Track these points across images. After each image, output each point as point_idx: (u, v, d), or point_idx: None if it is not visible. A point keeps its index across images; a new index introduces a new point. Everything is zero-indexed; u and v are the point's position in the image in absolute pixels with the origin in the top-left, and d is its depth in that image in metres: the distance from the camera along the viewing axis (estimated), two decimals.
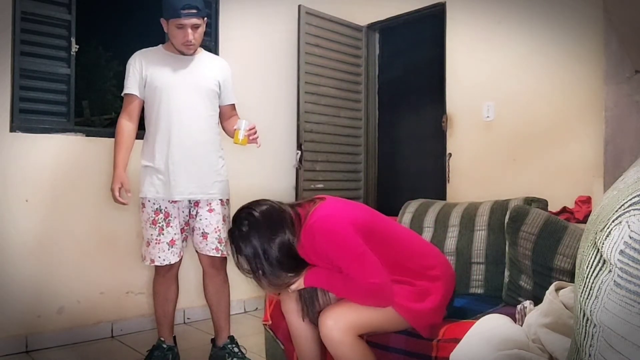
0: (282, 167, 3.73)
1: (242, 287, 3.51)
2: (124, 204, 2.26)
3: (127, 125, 2.31)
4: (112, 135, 2.84)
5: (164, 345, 2.40)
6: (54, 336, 2.76)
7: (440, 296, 1.63)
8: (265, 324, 2.02)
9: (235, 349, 2.42)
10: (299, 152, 3.65)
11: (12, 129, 2.68)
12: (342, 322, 1.53)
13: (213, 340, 2.49)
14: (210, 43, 3.42)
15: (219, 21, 3.44)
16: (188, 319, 3.24)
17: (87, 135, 2.91)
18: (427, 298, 1.61)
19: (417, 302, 1.60)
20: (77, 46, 2.87)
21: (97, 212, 2.90)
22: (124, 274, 2.99)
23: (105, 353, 2.72)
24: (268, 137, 3.69)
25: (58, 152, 2.82)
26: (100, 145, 2.91)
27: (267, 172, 3.67)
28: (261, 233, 1.60)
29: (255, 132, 2.29)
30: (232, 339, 2.45)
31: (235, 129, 2.27)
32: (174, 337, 2.48)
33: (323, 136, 3.79)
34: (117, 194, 2.22)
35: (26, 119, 2.73)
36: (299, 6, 3.64)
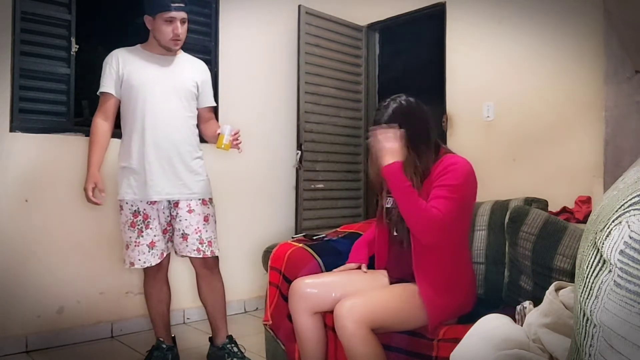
0: (282, 167, 3.73)
1: (242, 287, 3.53)
2: (97, 204, 2.24)
3: (102, 124, 2.28)
4: (112, 135, 2.85)
5: (164, 346, 2.40)
6: (54, 336, 2.76)
7: (463, 298, 1.71)
8: (266, 324, 2.02)
9: (235, 349, 2.42)
10: (299, 152, 3.65)
11: (12, 129, 2.68)
12: (357, 313, 1.54)
13: (211, 340, 2.49)
14: (210, 43, 3.42)
15: (219, 21, 3.43)
16: (188, 319, 3.25)
17: (87, 135, 2.89)
18: (451, 294, 1.67)
19: (441, 295, 1.64)
20: (77, 46, 2.87)
21: (97, 212, 2.89)
22: (123, 274, 2.99)
23: (105, 353, 2.72)
24: (268, 137, 3.71)
25: (58, 152, 2.82)
26: None
27: (267, 172, 3.67)
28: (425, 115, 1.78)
29: (238, 138, 2.29)
30: (230, 338, 2.44)
31: (218, 134, 2.26)
32: (174, 337, 2.48)
33: (323, 136, 3.79)
34: (90, 194, 2.20)
35: (26, 119, 2.73)
36: (299, 6, 3.64)
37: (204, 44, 3.37)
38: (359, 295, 1.64)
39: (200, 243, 2.31)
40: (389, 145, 1.66)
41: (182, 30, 2.26)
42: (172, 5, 2.21)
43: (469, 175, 1.67)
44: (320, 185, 3.78)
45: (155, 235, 2.28)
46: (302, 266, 1.95)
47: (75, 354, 2.70)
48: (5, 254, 2.65)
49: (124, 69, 2.27)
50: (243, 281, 3.41)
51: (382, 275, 1.86)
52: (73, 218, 2.85)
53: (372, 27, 4.11)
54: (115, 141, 2.38)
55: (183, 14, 2.25)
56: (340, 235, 2.22)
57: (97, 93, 2.31)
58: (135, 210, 2.27)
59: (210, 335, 2.50)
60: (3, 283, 2.64)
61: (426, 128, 1.76)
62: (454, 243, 1.71)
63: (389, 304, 1.63)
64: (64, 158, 2.84)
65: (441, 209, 1.59)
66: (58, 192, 2.81)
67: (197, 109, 2.41)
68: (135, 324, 3.04)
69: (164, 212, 2.33)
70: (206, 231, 2.33)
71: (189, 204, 2.32)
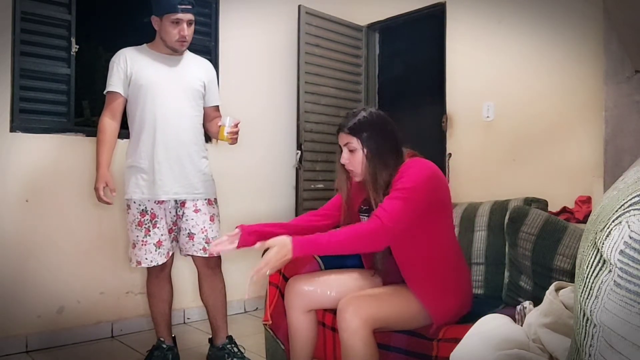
0: (282, 167, 3.73)
1: (243, 287, 3.52)
2: (108, 203, 2.24)
3: (110, 123, 2.28)
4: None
5: (164, 345, 2.40)
6: (54, 336, 2.76)
7: (461, 298, 1.71)
8: (266, 324, 2.02)
9: (235, 349, 2.42)
10: (299, 152, 3.65)
11: (12, 129, 2.68)
12: (363, 310, 1.55)
13: (211, 340, 2.49)
14: (210, 43, 3.42)
15: (219, 21, 3.43)
16: (188, 319, 3.25)
17: (87, 135, 2.91)
18: (450, 295, 1.67)
19: (440, 297, 1.64)
20: (77, 46, 2.87)
21: (97, 212, 2.89)
22: (124, 274, 2.99)
23: (105, 353, 2.72)
24: (268, 137, 3.71)
25: (58, 152, 2.82)
26: None
27: (267, 172, 3.67)
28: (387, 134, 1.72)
29: (237, 131, 2.27)
30: (230, 338, 2.45)
31: (220, 126, 2.25)
32: (174, 337, 2.48)
33: (323, 136, 3.79)
34: (101, 193, 2.20)
35: (26, 119, 2.73)
36: (299, 6, 3.64)
37: (204, 44, 3.37)
38: (363, 292, 1.65)
39: (206, 242, 2.32)
40: (274, 252, 1.54)
41: (188, 31, 2.28)
42: (179, 7, 2.21)
43: (426, 177, 1.62)
44: (321, 185, 3.78)
45: (162, 235, 2.29)
46: (301, 266, 1.95)
47: (76, 354, 2.70)
48: (5, 254, 2.65)
49: (132, 69, 2.27)
50: (243, 281, 3.40)
51: (377, 275, 1.86)
52: (73, 218, 2.85)
53: (372, 27, 4.11)
54: (120, 141, 2.38)
55: (190, 16, 2.26)
56: None
57: (104, 92, 2.31)
58: (142, 210, 2.28)
59: (210, 336, 2.50)
60: (3, 283, 2.64)
61: (390, 142, 1.71)
62: (437, 246, 1.69)
63: (393, 303, 1.63)
64: (64, 158, 2.84)
65: (386, 207, 1.55)
66: (58, 192, 2.81)
67: (203, 107, 2.42)
68: (136, 324, 3.04)
69: (170, 212, 2.34)
70: (212, 230, 2.35)
71: (195, 204, 2.33)
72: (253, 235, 1.77)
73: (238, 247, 1.79)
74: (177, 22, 2.24)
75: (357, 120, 1.71)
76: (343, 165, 1.78)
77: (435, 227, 1.68)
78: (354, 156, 1.72)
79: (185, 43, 2.30)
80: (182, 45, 2.30)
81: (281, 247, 1.54)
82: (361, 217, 1.83)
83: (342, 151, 1.76)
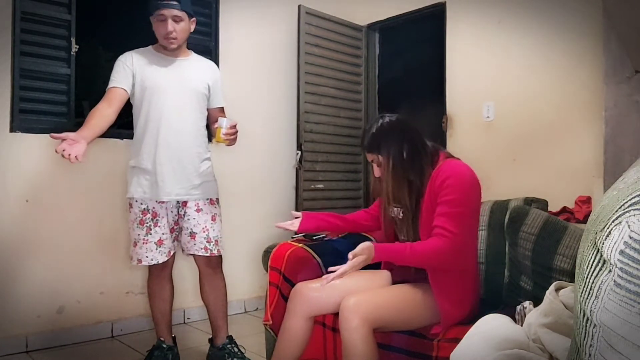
0: (282, 167, 3.73)
1: (242, 287, 3.53)
2: (63, 155, 2.01)
3: (101, 108, 2.18)
4: (112, 135, 2.84)
5: (164, 345, 2.40)
6: (54, 336, 2.76)
7: (472, 302, 1.73)
8: (266, 324, 2.02)
9: (235, 349, 2.42)
10: (299, 152, 3.65)
11: (12, 129, 2.68)
12: (363, 309, 1.55)
13: (211, 340, 2.49)
14: (210, 43, 3.42)
15: (219, 21, 3.43)
16: (188, 318, 3.25)
17: None
18: (462, 300, 1.68)
19: (454, 300, 1.66)
20: (77, 46, 2.87)
21: (97, 212, 2.90)
22: (124, 274, 2.99)
23: (105, 353, 2.72)
24: (268, 138, 3.71)
25: None
26: (100, 145, 2.89)
27: (267, 172, 3.67)
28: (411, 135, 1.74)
29: (234, 132, 2.23)
30: (230, 338, 2.45)
31: (216, 127, 2.22)
32: (174, 337, 2.48)
33: (323, 136, 3.79)
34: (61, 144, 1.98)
35: (26, 119, 2.73)
36: (299, 6, 3.64)
37: (204, 44, 3.37)
38: (365, 291, 1.66)
39: (207, 242, 2.33)
40: (359, 258, 1.63)
41: (175, 28, 2.23)
42: (161, 3, 2.20)
43: (470, 183, 1.65)
44: (320, 185, 3.78)
45: (163, 234, 2.30)
46: (302, 266, 1.95)
47: (76, 354, 2.70)
48: (5, 254, 2.65)
49: (138, 70, 2.27)
50: (243, 281, 3.41)
51: (385, 275, 1.86)
52: (73, 218, 2.85)
53: (372, 27, 4.11)
54: (120, 141, 2.37)
55: (174, 12, 2.21)
56: (340, 235, 2.22)
57: (107, 89, 2.28)
58: (144, 209, 2.29)
59: (211, 336, 2.50)
60: (3, 283, 2.64)
61: (412, 143, 1.72)
62: (463, 250, 1.70)
63: (393, 302, 1.63)
64: (64, 158, 2.83)
65: (447, 227, 1.59)
66: (58, 192, 2.81)
67: (208, 109, 2.42)
68: (136, 323, 3.04)
69: (172, 211, 2.34)
70: (213, 230, 2.35)
71: (197, 203, 2.33)
72: (313, 220, 1.97)
73: (298, 230, 1.95)
74: (163, 18, 2.22)
75: (371, 135, 1.74)
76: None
77: (467, 231, 1.69)
78: (382, 168, 1.75)
79: (173, 40, 2.25)
80: (170, 42, 2.26)
81: (369, 252, 1.63)
82: (394, 207, 1.84)
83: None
